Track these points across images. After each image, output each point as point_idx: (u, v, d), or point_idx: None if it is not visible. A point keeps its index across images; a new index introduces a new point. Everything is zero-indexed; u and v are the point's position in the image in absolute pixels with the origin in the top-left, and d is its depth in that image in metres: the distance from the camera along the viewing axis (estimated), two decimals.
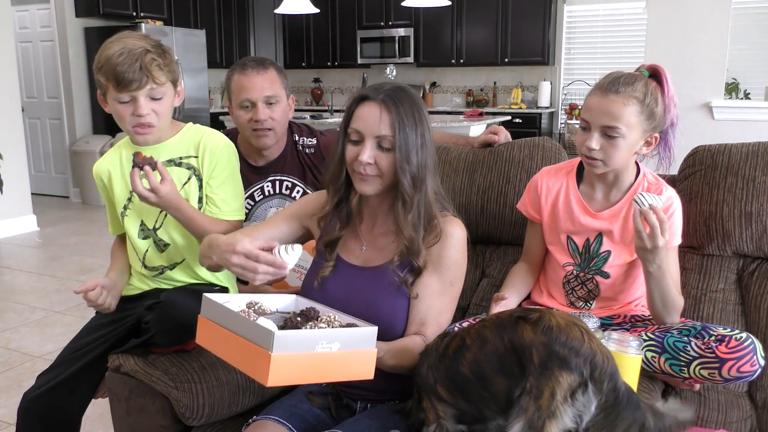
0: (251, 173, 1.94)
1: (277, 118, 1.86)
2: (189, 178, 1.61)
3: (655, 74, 1.47)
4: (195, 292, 1.47)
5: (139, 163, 1.46)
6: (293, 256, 1.19)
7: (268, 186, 1.97)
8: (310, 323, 1.12)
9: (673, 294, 1.43)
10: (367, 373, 1.10)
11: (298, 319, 1.14)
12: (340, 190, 1.40)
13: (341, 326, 1.13)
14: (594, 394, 1.03)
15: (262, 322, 1.05)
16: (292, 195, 1.97)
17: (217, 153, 1.61)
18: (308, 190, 1.97)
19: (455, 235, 1.37)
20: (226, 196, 1.63)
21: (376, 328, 1.12)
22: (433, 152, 1.37)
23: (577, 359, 1.02)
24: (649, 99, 1.41)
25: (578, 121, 1.52)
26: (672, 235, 1.45)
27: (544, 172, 1.63)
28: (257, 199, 1.97)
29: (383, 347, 1.23)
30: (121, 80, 1.46)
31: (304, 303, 1.27)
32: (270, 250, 1.21)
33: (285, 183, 1.97)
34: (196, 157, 1.62)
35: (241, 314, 1.10)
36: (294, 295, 1.33)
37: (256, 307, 1.20)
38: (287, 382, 1.04)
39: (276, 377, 0.99)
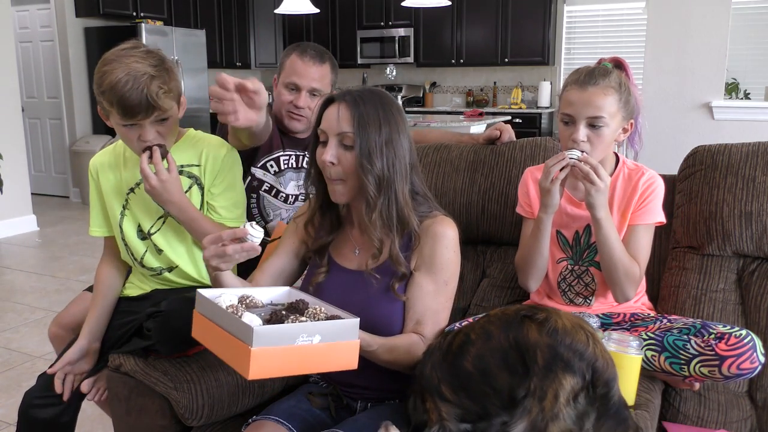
0: (280, 137, 2.00)
1: (314, 108, 1.91)
2: (190, 187, 1.60)
3: (619, 65, 1.55)
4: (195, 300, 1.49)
5: (149, 146, 1.48)
6: (259, 233, 1.20)
7: (292, 158, 2.03)
8: (291, 317, 1.13)
9: (623, 250, 1.47)
10: (350, 363, 1.12)
11: (283, 312, 1.15)
12: (321, 194, 1.41)
13: (326, 318, 1.14)
14: (592, 397, 1.03)
15: (247, 317, 1.08)
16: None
17: (220, 161, 1.60)
18: None
19: (447, 234, 1.37)
20: (228, 204, 1.62)
21: (358, 319, 1.12)
22: (405, 156, 1.35)
23: (580, 363, 1.02)
24: (623, 88, 1.49)
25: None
26: (648, 212, 1.51)
27: (530, 169, 1.68)
28: (282, 166, 2.02)
29: (378, 341, 1.25)
30: (127, 111, 1.41)
31: (296, 295, 1.28)
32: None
33: (306, 160, 2.03)
34: (198, 165, 1.60)
35: (228, 310, 1.12)
36: (288, 288, 1.34)
37: (248, 301, 1.22)
38: (269, 375, 1.07)
39: (257, 371, 1.03)
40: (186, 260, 1.65)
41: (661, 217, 1.54)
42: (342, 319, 1.14)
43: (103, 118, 1.52)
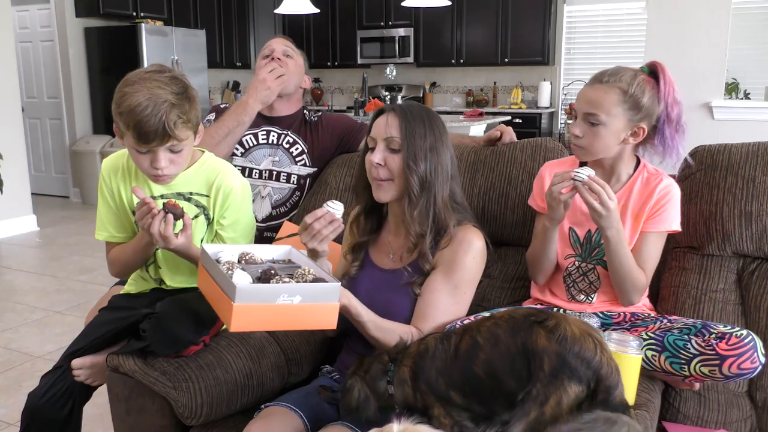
0: (263, 118, 2.16)
1: (290, 67, 2.14)
2: (197, 216, 1.58)
3: (653, 71, 1.50)
4: (189, 303, 1.49)
5: (166, 209, 1.43)
6: (338, 206, 1.35)
7: (273, 134, 2.16)
8: (277, 277, 1.21)
9: (632, 264, 1.47)
10: (329, 324, 1.20)
11: (272, 272, 1.23)
12: (366, 198, 1.53)
13: (312, 280, 1.22)
14: (593, 404, 1.03)
15: (237, 274, 1.17)
16: (290, 150, 2.16)
17: (231, 195, 1.57)
18: (304, 147, 2.16)
19: (471, 242, 1.45)
20: (236, 236, 1.61)
21: (338, 283, 1.21)
22: (447, 165, 1.46)
23: (587, 371, 1.02)
24: (633, 89, 1.45)
25: None
26: (661, 220, 1.50)
27: (549, 164, 1.67)
28: (260, 140, 2.16)
29: (370, 315, 1.35)
30: (143, 137, 1.38)
31: (297, 255, 1.37)
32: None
33: (288, 138, 2.16)
34: (208, 196, 1.58)
35: (225, 266, 1.22)
36: (289, 246, 1.42)
37: (247, 257, 1.32)
38: (249, 329, 1.19)
39: (238, 324, 1.13)
40: (177, 279, 1.64)
41: (675, 225, 1.52)
42: (325, 282, 1.21)
43: (118, 137, 1.49)
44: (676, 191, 1.52)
